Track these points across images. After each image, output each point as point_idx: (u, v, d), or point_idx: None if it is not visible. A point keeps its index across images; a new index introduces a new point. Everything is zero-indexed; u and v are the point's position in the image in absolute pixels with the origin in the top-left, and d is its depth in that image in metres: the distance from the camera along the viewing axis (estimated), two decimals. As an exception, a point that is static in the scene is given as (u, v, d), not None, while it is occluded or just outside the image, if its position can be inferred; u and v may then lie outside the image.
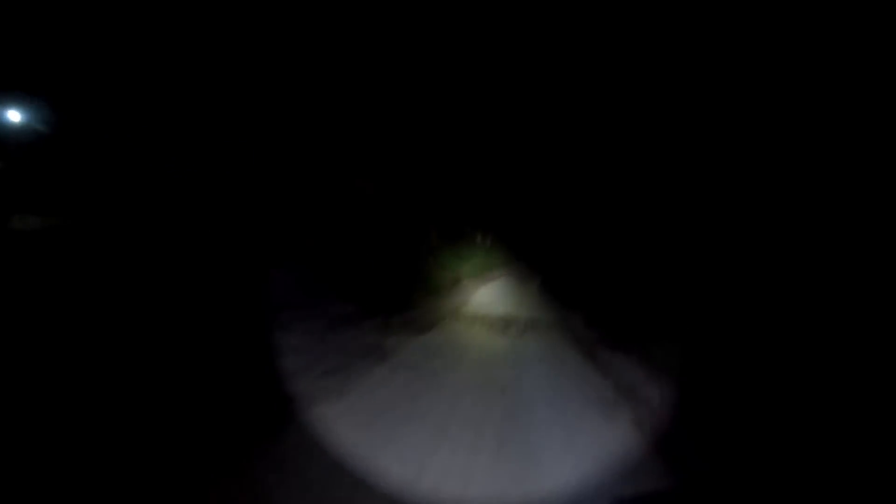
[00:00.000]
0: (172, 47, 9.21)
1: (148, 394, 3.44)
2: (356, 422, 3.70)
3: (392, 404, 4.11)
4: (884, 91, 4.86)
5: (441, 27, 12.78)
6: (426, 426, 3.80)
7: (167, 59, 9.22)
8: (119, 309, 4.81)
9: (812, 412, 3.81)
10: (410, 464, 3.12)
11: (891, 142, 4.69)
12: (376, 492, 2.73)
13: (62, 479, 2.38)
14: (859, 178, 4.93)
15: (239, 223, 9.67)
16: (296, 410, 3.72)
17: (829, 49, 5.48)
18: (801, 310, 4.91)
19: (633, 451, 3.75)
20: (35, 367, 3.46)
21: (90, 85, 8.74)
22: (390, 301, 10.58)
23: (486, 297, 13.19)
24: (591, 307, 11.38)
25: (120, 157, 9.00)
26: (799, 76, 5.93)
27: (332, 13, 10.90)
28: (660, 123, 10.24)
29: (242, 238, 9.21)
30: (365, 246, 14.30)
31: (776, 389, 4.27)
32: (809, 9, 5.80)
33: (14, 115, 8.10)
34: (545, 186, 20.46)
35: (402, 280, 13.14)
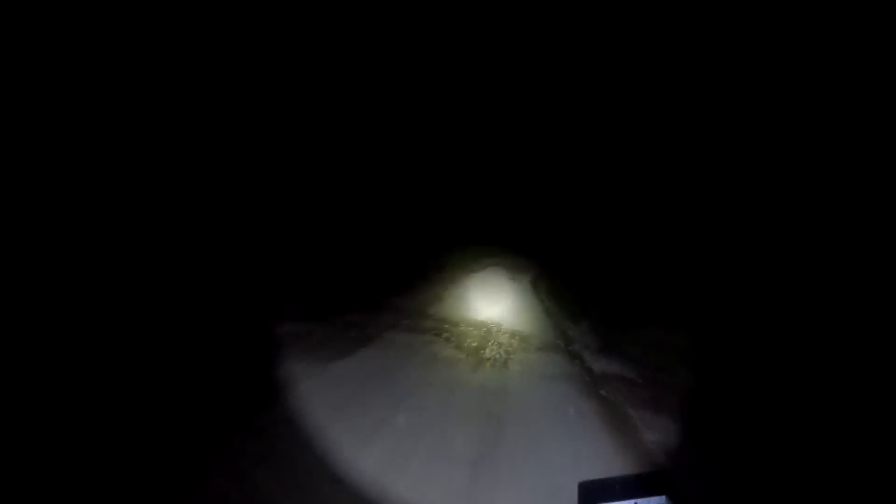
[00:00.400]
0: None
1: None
2: None
3: None
4: (884, 91, 4.68)
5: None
6: None
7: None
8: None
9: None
10: None
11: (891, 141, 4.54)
12: None
13: (49, 474, 2.28)
14: (859, 176, 4.67)
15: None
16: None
17: (829, 49, 5.28)
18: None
19: None
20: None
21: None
22: (331, 294, 7.80)
23: (466, 293, 10.28)
24: (600, 313, 8.66)
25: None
26: (798, 76, 5.74)
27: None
28: (670, 112, 9.26)
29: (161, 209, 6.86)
30: (322, 221, 11.62)
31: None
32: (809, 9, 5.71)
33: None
34: (544, 163, 17.92)
35: (359, 266, 10.28)
